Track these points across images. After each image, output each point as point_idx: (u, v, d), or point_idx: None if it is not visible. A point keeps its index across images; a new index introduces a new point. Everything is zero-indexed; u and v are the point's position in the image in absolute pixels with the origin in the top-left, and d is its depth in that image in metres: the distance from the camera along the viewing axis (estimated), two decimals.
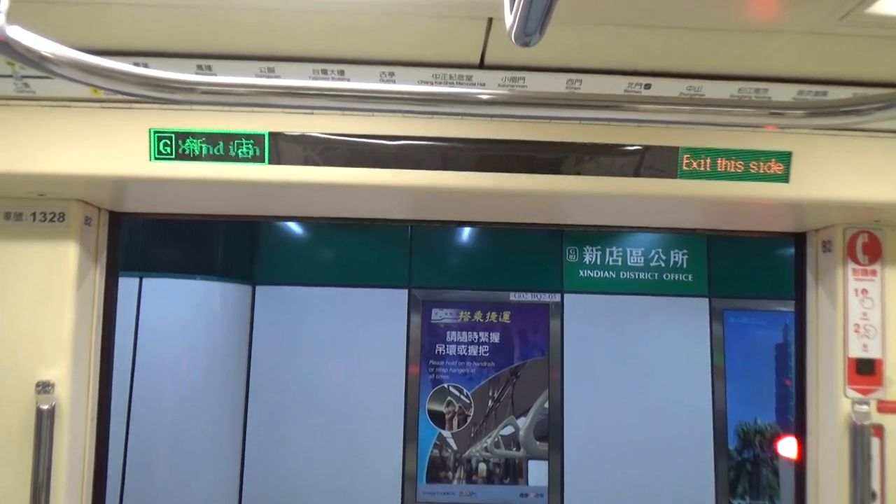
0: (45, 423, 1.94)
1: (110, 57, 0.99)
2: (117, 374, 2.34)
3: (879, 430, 2.10)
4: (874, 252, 2.19)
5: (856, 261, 2.18)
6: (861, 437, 2.08)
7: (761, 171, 1.86)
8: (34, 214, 2.05)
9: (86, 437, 2.15)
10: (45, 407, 1.95)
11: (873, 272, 2.18)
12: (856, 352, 2.15)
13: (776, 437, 5.00)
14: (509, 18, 0.97)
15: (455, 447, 4.96)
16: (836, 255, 2.20)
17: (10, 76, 1.71)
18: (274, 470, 4.82)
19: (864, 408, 2.11)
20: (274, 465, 4.82)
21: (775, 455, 4.96)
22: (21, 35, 0.91)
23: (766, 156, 1.86)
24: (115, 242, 2.29)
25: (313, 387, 4.93)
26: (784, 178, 1.86)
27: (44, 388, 1.97)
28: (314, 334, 4.98)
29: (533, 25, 0.93)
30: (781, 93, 1.70)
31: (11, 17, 0.91)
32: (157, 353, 4.46)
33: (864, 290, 2.17)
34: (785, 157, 1.86)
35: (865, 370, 2.14)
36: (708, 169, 1.86)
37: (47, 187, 1.96)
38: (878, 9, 1.31)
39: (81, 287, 2.09)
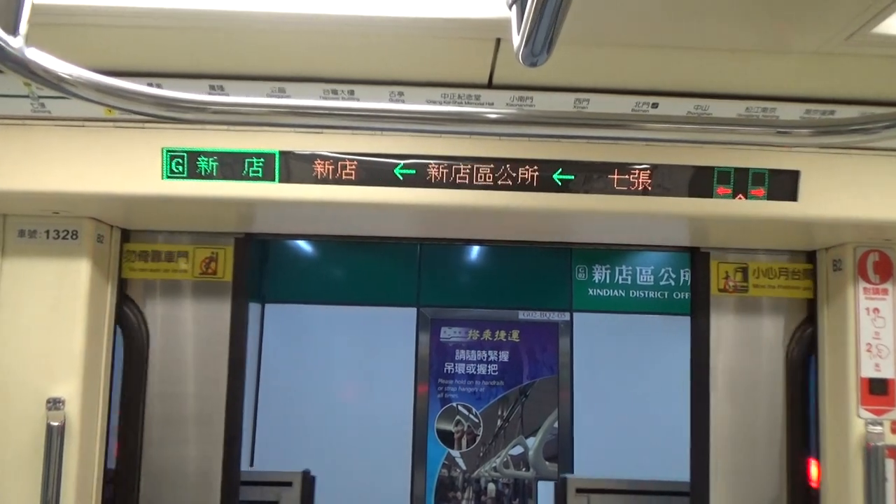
0: (54, 439, 1.95)
1: (124, 78, 1.00)
2: None
3: (894, 452, 2.07)
4: (885, 271, 2.17)
5: (867, 279, 2.17)
6: (875, 458, 2.05)
7: (769, 190, 1.86)
8: (48, 232, 2.08)
9: (96, 454, 2.15)
10: (56, 423, 1.96)
11: (885, 291, 2.16)
12: (868, 372, 2.13)
13: None
14: (517, 39, 0.98)
15: (464, 467, 4.92)
16: (846, 273, 2.18)
17: (26, 96, 1.75)
18: None
19: (878, 429, 2.08)
20: None
21: None
22: (39, 57, 0.94)
23: (774, 174, 1.86)
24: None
25: (322, 405, 4.91)
26: (792, 196, 1.86)
27: (54, 404, 1.98)
28: (323, 353, 4.98)
29: (540, 46, 0.94)
30: (788, 112, 1.71)
31: (29, 40, 0.93)
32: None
33: (876, 310, 2.16)
34: (793, 176, 1.86)
35: (878, 390, 2.12)
36: (716, 188, 1.86)
37: (61, 205, 1.99)
38: (884, 29, 1.31)
39: (93, 304, 2.10)
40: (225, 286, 2.35)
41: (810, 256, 2.39)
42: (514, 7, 1.01)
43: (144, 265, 2.34)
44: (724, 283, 2.41)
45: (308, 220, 2.25)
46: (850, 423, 2.12)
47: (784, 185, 1.86)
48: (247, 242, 2.37)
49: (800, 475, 2.33)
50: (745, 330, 2.40)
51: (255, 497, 2.79)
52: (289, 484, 2.85)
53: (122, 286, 2.32)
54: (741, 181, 1.85)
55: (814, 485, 2.33)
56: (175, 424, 2.32)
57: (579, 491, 2.81)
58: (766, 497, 2.33)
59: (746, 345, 2.39)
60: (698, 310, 2.40)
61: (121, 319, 2.31)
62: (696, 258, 2.42)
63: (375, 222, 2.26)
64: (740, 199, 1.85)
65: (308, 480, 2.92)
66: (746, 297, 2.40)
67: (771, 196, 1.85)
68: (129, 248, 2.34)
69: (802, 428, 2.34)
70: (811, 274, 2.39)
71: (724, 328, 2.39)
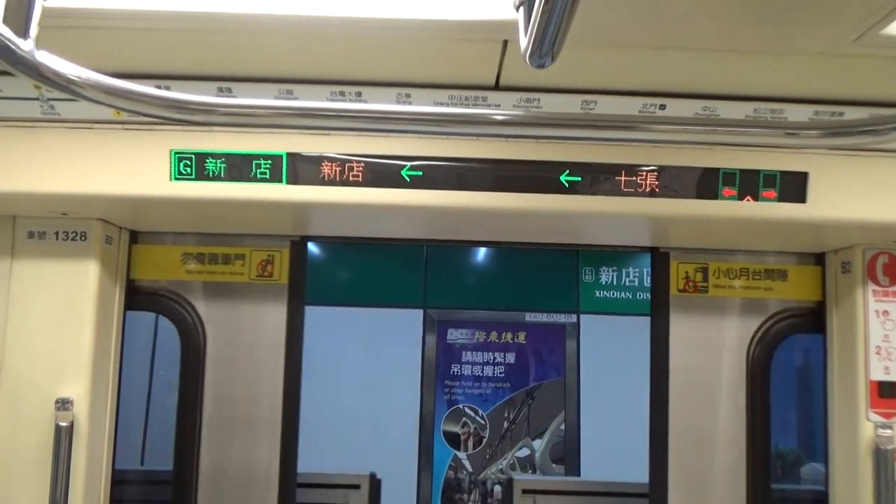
0: (63, 439, 1.96)
1: (133, 80, 1.01)
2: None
3: None
4: (895, 273, 2.16)
5: (876, 282, 2.16)
6: (884, 461, 2.04)
7: (778, 192, 1.85)
8: (56, 233, 2.09)
9: (104, 454, 2.16)
10: (64, 424, 1.97)
11: (894, 294, 2.15)
12: (878, 374, 2.11)
13: (798, 462, 4.90)
14: (524, 41, 0.99)
15: (470, 469, 4.92)
16: (855, 276, 2.17)
17: (36, 99, 1.76)
18: None
19: (888, 432, 2.07)
20: None
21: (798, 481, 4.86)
22: (49, 59, 0.94)
23: (782, 176, 1.85)
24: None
25: (327, 407, 4.91)
26: (801, 198, 1.85)
27: (63, 404, 1.99)
28: (329, 354, 4.98)
29: (547, 47, 0.94)
30: (797, 113, 1.70)
31: (40, 43, 0.94)
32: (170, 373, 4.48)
33: (886, 312, 2.14)
34: (801, 178, 1.85)
35: (888, 393, 2.11)
36: (723, 189, 1.85)
37: (70, 207, 2.00)
38: (893, 30, 1.31)
39: (102, 305, 2.11)
40: (281, 289, 2.37)
41: (819, 258, 2.38)
42: (522, 9, 1.02)
43: (202, 267, 2.37)
44: (685, 283, 2.39)
45: (315, 221, 2.25)
46: (859, 426, 2.10)
47: (793, 186, 1.85)
48: (303, 245, 2.39)
49: (760, 477, 2.31)
50: (706, 331, 2.38)
51: (320, 500, 2.77)
52: (356, 486, 2.84)
53: (181, 288, 2.35)
54: (749, 183, 1.84)
55: None
56: (230, 426, 2.34)
57: (525, 492, 2.80)
58: (726, 499, 2.32)
59: (707, 346, 2.37)
60: (658, 311, 2.39)
61: (177, 320, 2.34)
62: (656, 258, 2.41)
63: (382, 224, 2.27)
64: (748, 200, 1.84)
65: (375, 483, 2.91)
66: (707, 298, 2.38)
67: (780, 198, 1.85)
68: (188, 251, 2.36)
69: (763, 430, 2.32)
70: (772, 274, 2.38)
71: (684, 329, 2.38)
